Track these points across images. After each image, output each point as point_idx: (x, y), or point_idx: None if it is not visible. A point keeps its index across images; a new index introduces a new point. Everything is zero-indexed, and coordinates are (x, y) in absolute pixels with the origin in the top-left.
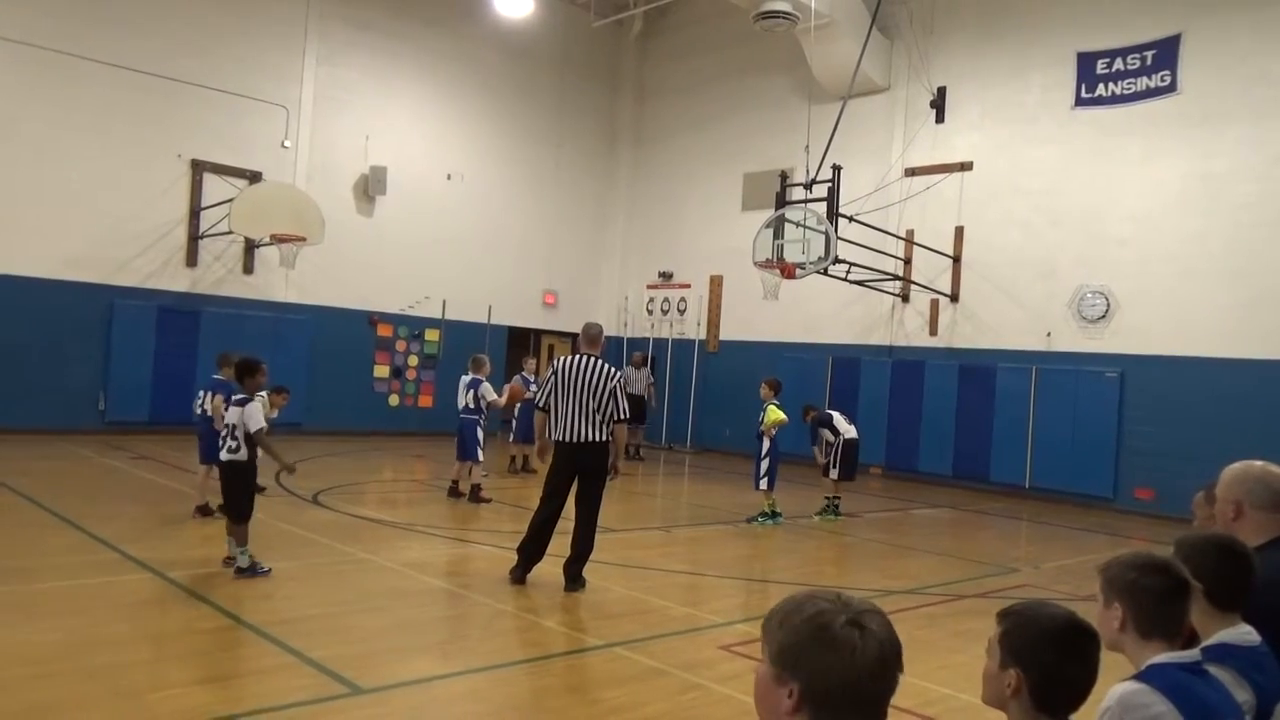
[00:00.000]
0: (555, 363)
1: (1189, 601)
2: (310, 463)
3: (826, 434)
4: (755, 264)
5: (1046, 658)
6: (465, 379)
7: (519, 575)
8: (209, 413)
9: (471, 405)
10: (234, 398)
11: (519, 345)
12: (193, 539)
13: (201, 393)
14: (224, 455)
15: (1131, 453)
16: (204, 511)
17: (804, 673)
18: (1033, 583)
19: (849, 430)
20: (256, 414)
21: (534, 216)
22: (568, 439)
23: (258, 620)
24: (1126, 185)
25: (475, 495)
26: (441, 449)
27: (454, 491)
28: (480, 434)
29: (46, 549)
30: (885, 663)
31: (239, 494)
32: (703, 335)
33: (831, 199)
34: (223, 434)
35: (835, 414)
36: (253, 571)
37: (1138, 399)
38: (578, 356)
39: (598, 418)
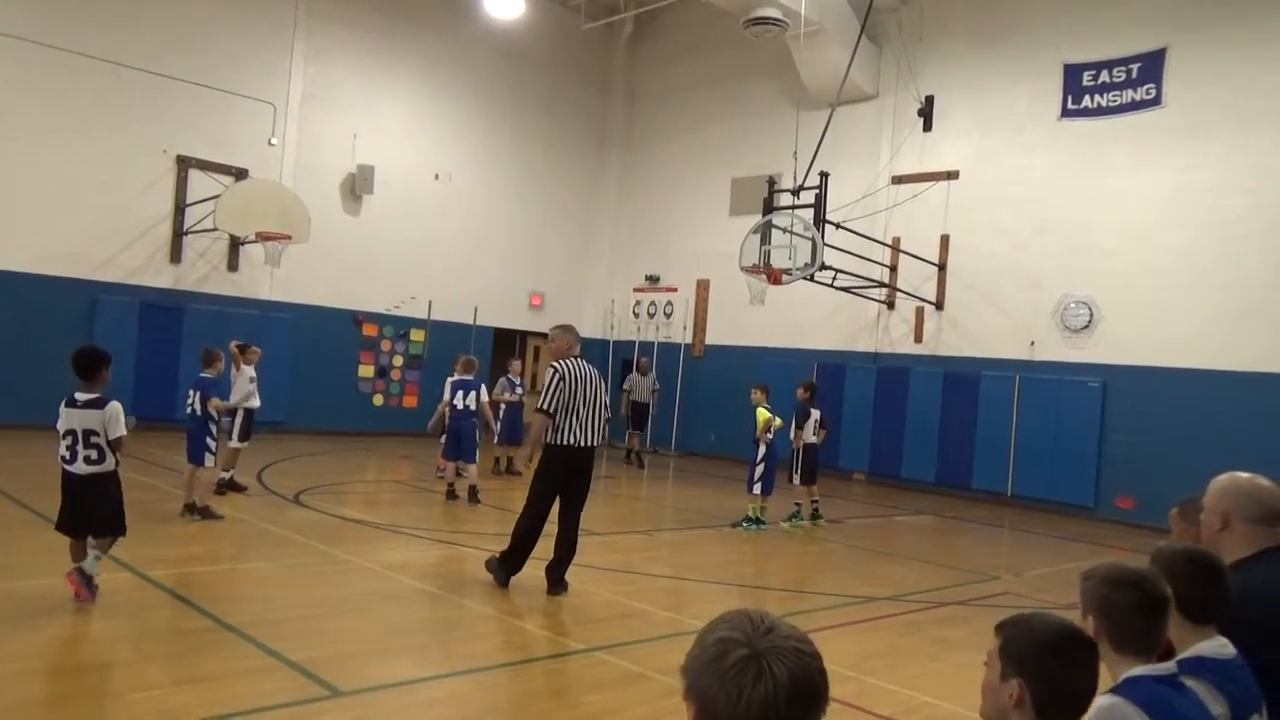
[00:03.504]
0: (560, 367)
1: (1164, 618)
2: (293, 462)
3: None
4: (742, 269)
5: (1049, 667)
6: (453, 379)
7: (503, 579)
8: (198, 412)
9: (473, 406)
10: (84, 399)
11: (505, 347)
12: (174, 538)
13: (192, 392)
14: (85, 468)
15: (1112, 462)
16: (190, 510)
17: (696, 695)
18: (1014, 590)
19: (810, 435)
20: (121, 417)
21: (521, 218)
22: (582, 444)
23: (238, 621)
24: (1111, 196)
25: (474, 496)
26: (426, 449)
27: (452, 494)
28: (478, 435)
29: (26, 546)
30: (778, 709)
31: (120, 504)
32: (688, 339)
33: (819, 205)
34: (68, 442)
35: (814, 414)
36: (91, 589)
37: (1120, 409)
38: (578, 360)
39: (600, 421)
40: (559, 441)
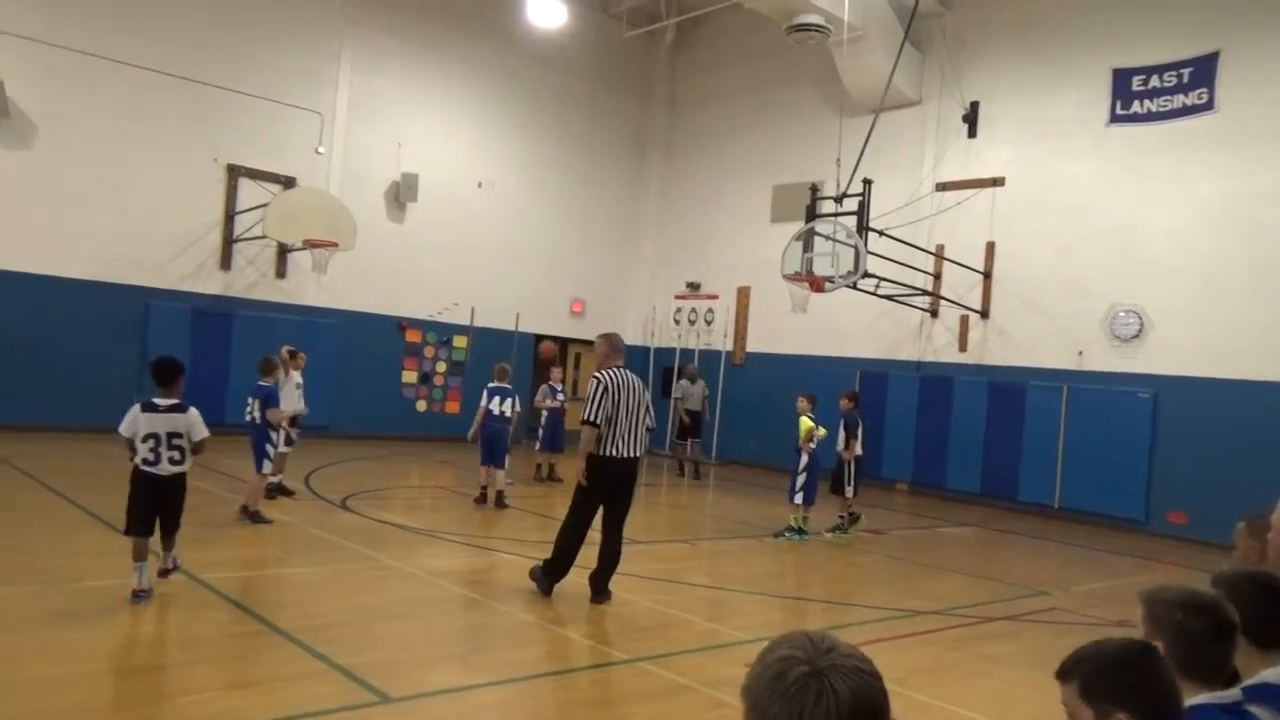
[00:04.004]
0: (603, 377)
1: (1234, 645)
2: (337, 466)
3: (840, 439)
4: (784, 276)
5: (1143, 684)
6: (494, 385)
7: (547, 587)
8: (258, 420)
9: (508, 413)
10: (165, 404)
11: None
12: (225, 542)
13: (251, 400)
14: (170, 469)
15: (1164, 475)
16: (248, 515)
17: (758, 716)
18: (1063, 606)
19: (859, 448)
20: (202, 421)
21: (563, 225)
22: (627, 454)
23: (288, 625)
24: (1162, 203)
25: (500, 501)
26: (467, 455)
27: (484, 499)
28: (508, 441)
29: (81, 549)
30: None
31: (182, 505)
32: (729, 347)
33: (862, 212)
34: (150, 445)
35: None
36: (176, 565)
37: (1171, 420)
38: (620, 370)
39: (642, 431)
40: (601, 453)
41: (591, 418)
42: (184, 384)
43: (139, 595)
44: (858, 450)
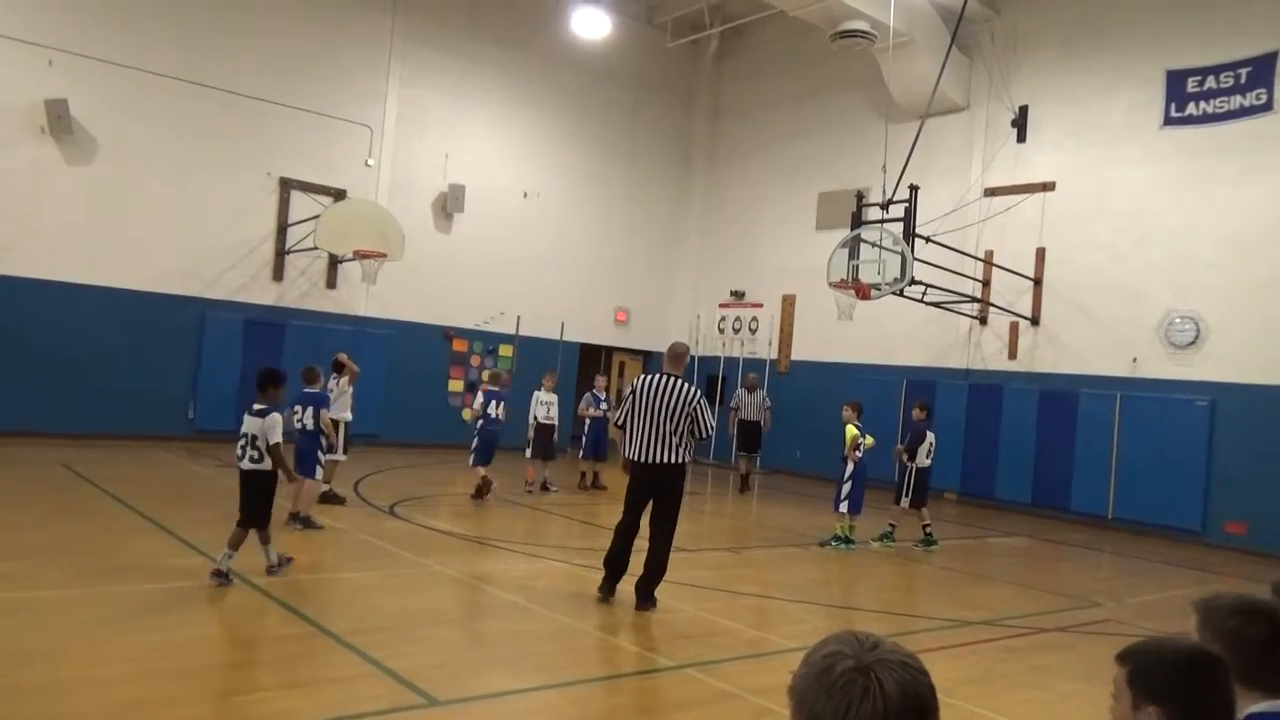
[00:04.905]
0: (635, 381)
1: None
2: (386, 474)
3: (903, 452)
4: (830, 284)
5: (1186, 691)
6: (487, 389)
7: (607, 591)
8: (308, 426)
9: (502, 416)
10: (257, 408)
11: (591, 362)
12: (278, 547)
13: (300, 407)
14: (248, 465)
15: (1222, 485)
16: (294, 519)
17: (805, 714)
18: (1116, 617)
19: (924, 459)
20: (278, 427)
21: (608, 234)
22: (641, 459)
23: (339, 628)
24: (1218, 207)
25: (479, 493)
26: (512, 463)
27: (483, 494)
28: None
29: (140, 552)
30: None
31: (267, 502)
32: (774, 355)
33: (908, 219)
34: (241, 444)
35: (930, 436)
36: (281, 566)
37: (1229, 429)
38: (658, 376)
39: (674, 440)
40: (628, 455)
41: (616, 420)
42: (276, 393)
43: (215, 575)
44: (924, 461)
